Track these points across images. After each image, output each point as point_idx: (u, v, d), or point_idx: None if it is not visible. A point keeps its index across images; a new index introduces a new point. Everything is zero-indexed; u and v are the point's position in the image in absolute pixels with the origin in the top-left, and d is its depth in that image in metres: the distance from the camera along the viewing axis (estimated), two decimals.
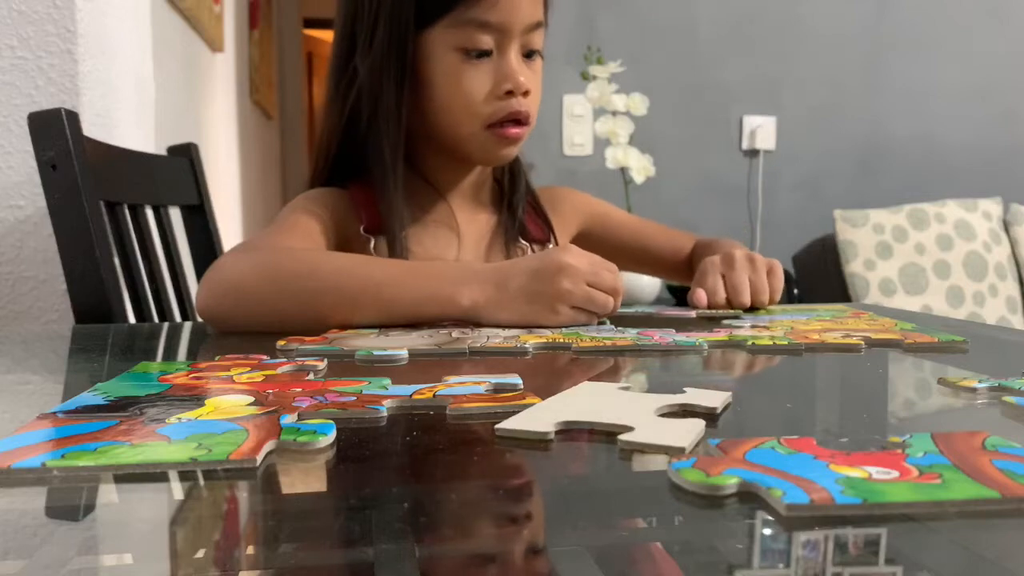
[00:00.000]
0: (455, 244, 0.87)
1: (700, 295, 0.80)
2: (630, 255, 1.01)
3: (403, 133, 0.84)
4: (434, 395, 0.41)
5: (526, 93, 0.82)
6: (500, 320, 0.66)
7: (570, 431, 0.36)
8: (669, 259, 1.00)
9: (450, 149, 0.86)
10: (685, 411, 0.39)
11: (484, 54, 0.81)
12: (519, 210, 0.92)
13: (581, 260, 0.67)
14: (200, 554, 0.25)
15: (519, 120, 0.83)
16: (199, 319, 0.73)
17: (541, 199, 0.96)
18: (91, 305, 0.84)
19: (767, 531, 0.26)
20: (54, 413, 0.38)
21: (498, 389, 0.43)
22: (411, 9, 0.81)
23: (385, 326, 0.67)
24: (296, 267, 0.71)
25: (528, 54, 0.84)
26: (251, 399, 0.40)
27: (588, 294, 0.66)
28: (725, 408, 0.40)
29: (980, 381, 0.45)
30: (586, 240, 0.99)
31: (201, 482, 0.30)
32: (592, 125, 2.11)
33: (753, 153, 2.45)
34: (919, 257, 2.24)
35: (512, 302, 0.66)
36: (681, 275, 1.00)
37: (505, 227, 0.91)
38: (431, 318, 0.68)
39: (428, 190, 0.89)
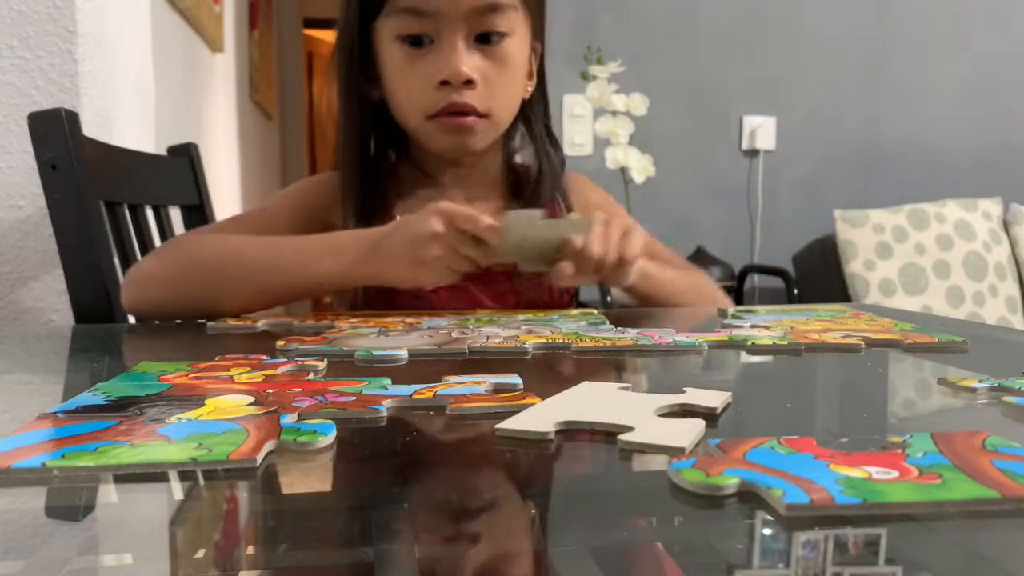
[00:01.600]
0: None
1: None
2: None
3: (357, 124, 0.84)
4: (434, 395, 0.41)
5: (471, 83, 0.78)
6: (379, 279, 0.73)
7: (570, 431, 0.36)
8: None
9: (417, 139, 0.85)
10: (685, 411, 0.39)
11: (424, 42, 0.78)
12: (539, 200, 0.88)
13: (442, 223, 0.69)
14: (200, 554, 0.25)
15: (464, 111, 0.79)
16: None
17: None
18: (91, 305, 0.84)
19: (767, 531, 0.26)
20: (54, 413, 0.38)
21: (498, 389, 0.43)
22: (355, 4, 0.81)
23: (265, 304, 0.76)
24: (189, 254, 0.79)
25: (485, 38, 0.78)
26: (251, 399, 0.40)
27: (457, 260, 0.70)
28: (725, 408, 0.40)
29: (980, 381, 0.45)
30: None
31: (201, 482, 0.30)
32: (592, 125, 2.11)
33: (753, 153, 2.45)
34: (919, 257, 2.24)
35: (403, 269, 0.71)
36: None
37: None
38: (308, 287, 0.75)
39: (424, 179, 0.88)
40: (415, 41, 0.78)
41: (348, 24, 0.82)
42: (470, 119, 0.80)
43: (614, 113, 1.97)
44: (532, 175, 0.91)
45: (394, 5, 0.78)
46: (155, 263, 0.79)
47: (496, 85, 0.80)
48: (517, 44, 0.81)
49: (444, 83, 0.78)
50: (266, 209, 0.88)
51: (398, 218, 0.75)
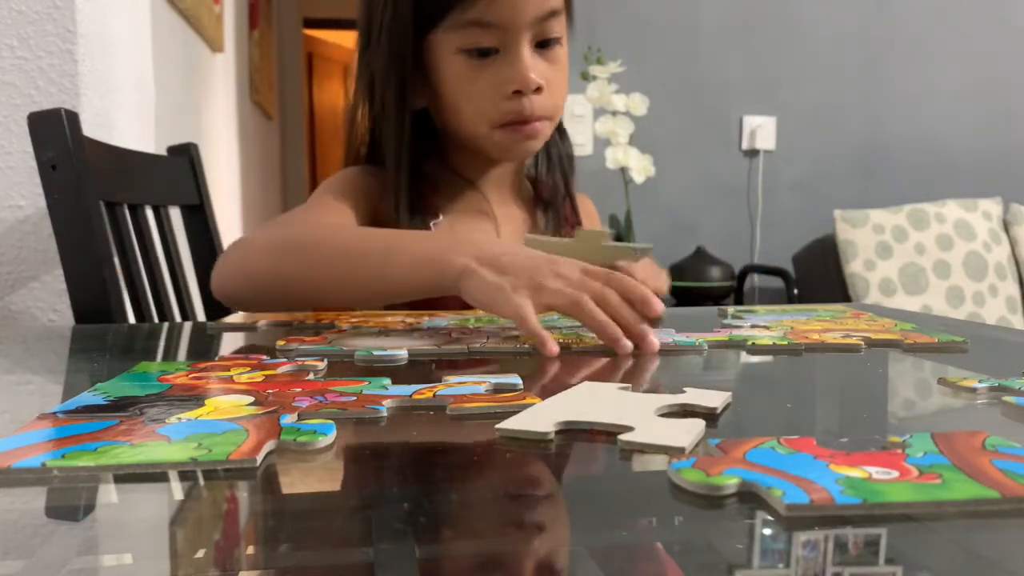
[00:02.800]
0: (492, 233, 0.87)
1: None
2: None
3: (406, 132, 0.83)
4: (434, 395, 0.41)
5: (538, 90, 0.80)
6: (477, 285, 0.59)
7: (570, 431, 0.36)
8: None
9: (473, 148, 0.86)
10: (685, 411, 0.39)
11: (489, 53, 0.79)
12: (559, 208, 0.91)
13: (575, 272, 0.60)
14: (200, 554, 0.25)
15: (534, 118, 0.81)
16: (215, 298, 0.75)
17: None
18: (91, 305, 0.84)
19: (767, 531, 0.26)
20: (54, 413, 0.38)
21: (498, 389, 0.43)
22: (409, 12, 0.80)
23: (382, 299, 0.69)
24: (302, 237, 0.72)
25: (545, 44, 0.80)
26: (251, 399, 0.40)
27: (571, 298, 0.57)
28: (725, 408, 0.40)
29: (980, 381, 0.45)
30: None
31: (201, 482, 0.30)
32: (592, 125, 2.11)
33: (753, 153, 2.46)
34: (919, 257, 2.24)
35: (493, 270, 0.59)
36: None
37: (542, 222, 0.90)
38: (427, 282, 0.63)
39: (461, 183, 0.89)
40: (480, 52, 0.79)
41: (400, 36, 0.81)
42: (538, 124, 0.82)
43: (614, 113, 1.97)
44: (541, 173, 0.93)
45: (459, 19, 0.78)
46: (261, 252, 0.72)
47: (555, 88, 0.82)
48: (565, 46, 0.84)
49: (516, 92, 0.79)
50: (327, 203, 0.82)
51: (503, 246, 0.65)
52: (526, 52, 0.79)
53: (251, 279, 0.72)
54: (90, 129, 0.94)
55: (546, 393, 0.41)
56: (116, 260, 0.90)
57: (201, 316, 1.11)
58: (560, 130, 0.93)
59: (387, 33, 0.82)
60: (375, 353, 0.53)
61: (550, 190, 0.92)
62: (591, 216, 1.02)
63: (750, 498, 0.28)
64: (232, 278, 0.73)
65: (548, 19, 0.79)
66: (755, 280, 2.44)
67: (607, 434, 0.35)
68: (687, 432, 0.34)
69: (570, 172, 0.93)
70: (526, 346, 0.56)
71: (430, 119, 0.87)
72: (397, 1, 0.80)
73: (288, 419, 0.36)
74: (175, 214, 1.15)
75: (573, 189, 0.94)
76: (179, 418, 0.37)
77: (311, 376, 0.47)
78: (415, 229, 0.82)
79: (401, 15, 0.80)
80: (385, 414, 0.39)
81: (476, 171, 0.89)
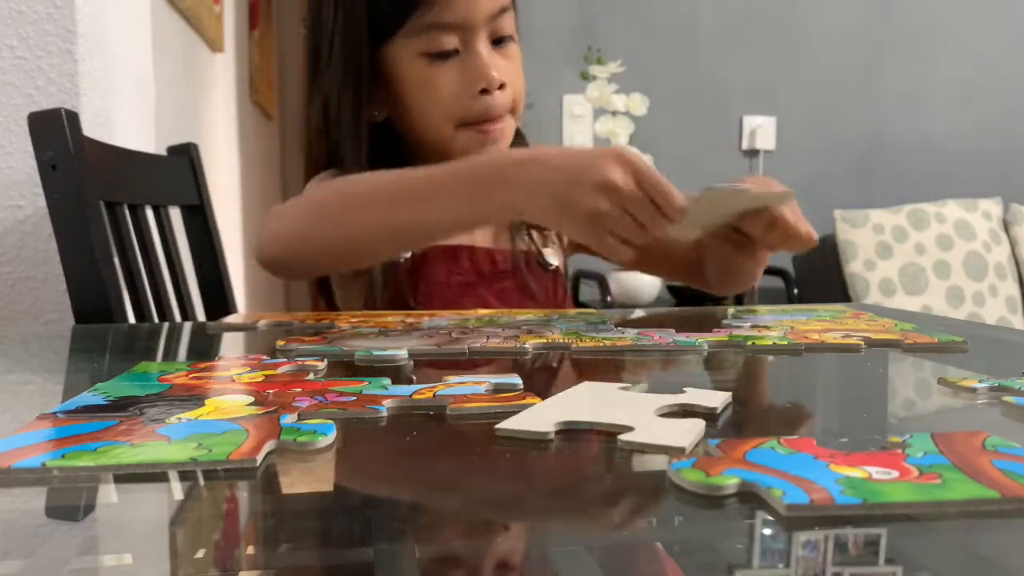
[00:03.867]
0: (464, 236, 0.87)
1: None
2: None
3: (364, 146, 0.83)
4: (434, 395, 0.41)
5: (502, 87, 0.80)
6: (536, 219, 0.68)
7: (570, 431, 0.36)
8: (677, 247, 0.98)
9: (438, 154, 0.85)
10: (685, 411, 0.39)
11: (450, 54, 0.79)
12: None
13: (627, 178, 0.61)
14: (200, 554, 0.25)
15: (500, 115, 0.81)
16: (262, 267, 0.76)
17: None
18: (91, 305, 0.84)
19: (767, 531, 0.26)
20: (54, 413, 0.38)
21: (498, 389, 0.43)
22: (363, 27, 0.79)
23: (424, 237, 0.72)
24: (335, 189, 0.74)
25: (499, 41, 0.81)
26: (251, 399, 0.40)
27: (624, 226, 0.61)
28: (725, 408, 0.40)
29: (980, 381, 0.45)
30: None
31: (201, 482, 0.30)
32: (592, 125, 2.11)
33: (753, 153, 2.45)
34: (919, 257, 2.24)
35: (545, 210, 0.63)
36: (687, 268, 0.98)
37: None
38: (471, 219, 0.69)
39: None
40: (440, 55, 0.79)
41: (355, 47, 0.80)
42: (501, 124, 0.82)
43: (614, 113, 1.97)
44: None
45: (417, 23, 0.78)
46: (296, 213, 0.76)
47: (514, 84, 0.83)
48: (516, 43, 0.84)
49: (482, 91, 0.80)
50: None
51: (536, 147, 0.70)
52: (485, 50, 0.79)
53: (286, 242, 0.74)
54: (90, 129, 0.94)
55: (546, 393, 0.41)
56: (116, 260, 0.90)
57: (201, 316, 1.11)
58: (517, 131, 0.93)
59: (340, 46, 0.81)
60: (375, 353, 0.53)
61: None
62: None
63: (750, 498, 0.28)
64: (269, 244, 0.75)
65: (500, 15, 0.80)
66: None
67: (607, 434, 0.35)
68: (687, 432, 0.34)
69: None
70: (527, 346, 0.56)
71: (390, 133, 0.86)
72: (349, 12, 0.80)
73: (288, 419, 0.36)
74: (175, 214, 1.15)
75: None
76: (179, 418, 0.37)
77: (311, 376, 0.47)
78: None
79: (355, 26, 0.80)
80: (385, 414, 0.39)
81: None
